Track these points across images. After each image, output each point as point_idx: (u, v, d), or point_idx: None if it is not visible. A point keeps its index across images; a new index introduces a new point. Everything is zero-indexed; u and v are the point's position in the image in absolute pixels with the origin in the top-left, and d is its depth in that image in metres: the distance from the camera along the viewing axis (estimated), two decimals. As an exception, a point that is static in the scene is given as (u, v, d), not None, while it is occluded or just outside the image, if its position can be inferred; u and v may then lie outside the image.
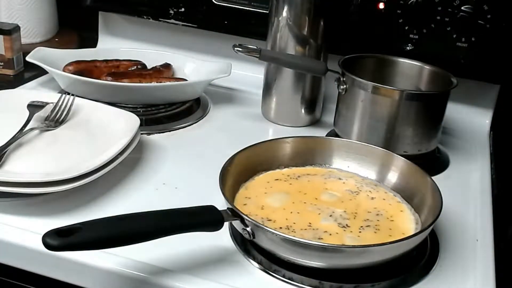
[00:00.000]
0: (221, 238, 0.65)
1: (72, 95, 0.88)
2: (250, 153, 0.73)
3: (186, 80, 1.01)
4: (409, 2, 0.94)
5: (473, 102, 1.02)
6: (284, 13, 0.91)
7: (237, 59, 0.99)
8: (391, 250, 0.60)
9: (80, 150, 0.77)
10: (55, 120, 0.83)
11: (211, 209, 0.60)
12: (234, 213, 0.61)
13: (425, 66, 0.93)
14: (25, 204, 0.68)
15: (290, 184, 0.74)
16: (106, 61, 1.03)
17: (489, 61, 0.96)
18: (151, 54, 1.08)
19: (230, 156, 0.71)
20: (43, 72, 1.00)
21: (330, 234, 0.64)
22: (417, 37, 0.97)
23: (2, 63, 1.08)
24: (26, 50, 1.01)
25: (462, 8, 0.92)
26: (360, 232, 0.65)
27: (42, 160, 0.74)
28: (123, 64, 1.04)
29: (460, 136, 1.00)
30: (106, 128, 0.82)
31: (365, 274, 0.61)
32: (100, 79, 0.95)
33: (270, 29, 0.95)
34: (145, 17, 1.12)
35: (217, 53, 1.10)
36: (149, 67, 1.05)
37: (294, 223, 0.65)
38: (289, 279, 0.60)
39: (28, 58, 0.96)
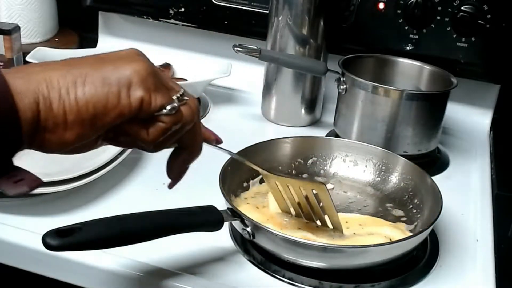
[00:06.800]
0: (221, 238, 0.65)
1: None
2: (250, 153, 0.73)
3: (186, 80, 1.01)
4: (409, 2, 0.94)
5: (473, 102, 1.02)
6: (284, 13, 0.91)
7: (237, 59, 0.99)
8: (391, 250, 0.60)
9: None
10: (55, 120, 0.83)
11: (211, 209, 0.60)
12: (234, 213, 0.61)
13: (425, 66, 0.93)
14: (25, 204, 0.68)
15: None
16: (106, 61, 1.03)
17: (489, 61, 0.96)
18: (151, 54, 1.08)
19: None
20: (43, 72, 1.00)
21: None
22: (417, 37, 0.97)
23: (2, 63, 1.08)
24: (26, 50, 1.01)
25: (462, 8, 0.92)
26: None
27: (42, 160, 0.73)
28: (123, 64, 1.03)
29: (460, 136, 1.00)
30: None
31: (365, 274, 0.61)
32: (100, 79, 0.94)
33: (270, 29, 0.94)
34: (145, 17, 1.12)
35: (217, 53, 1.10)
36: (149, 67, 1.05)
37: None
38: (289, 279, 0.60)
39: (28, 58, 0.96)
